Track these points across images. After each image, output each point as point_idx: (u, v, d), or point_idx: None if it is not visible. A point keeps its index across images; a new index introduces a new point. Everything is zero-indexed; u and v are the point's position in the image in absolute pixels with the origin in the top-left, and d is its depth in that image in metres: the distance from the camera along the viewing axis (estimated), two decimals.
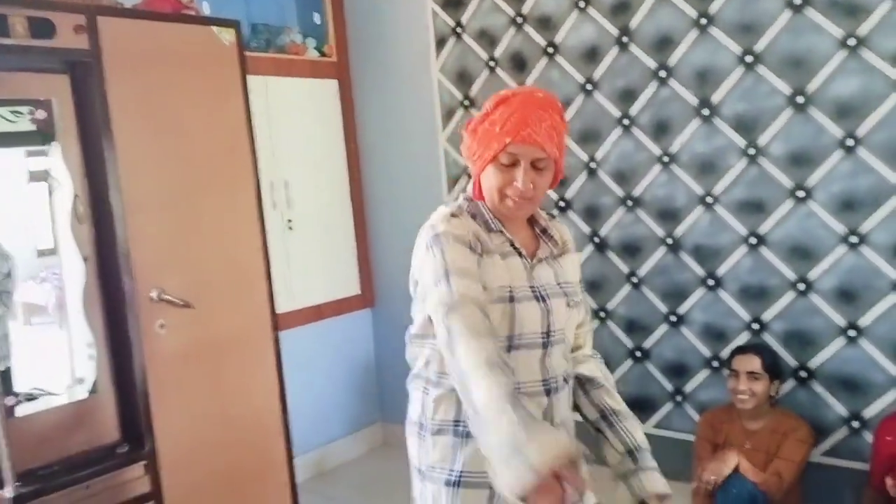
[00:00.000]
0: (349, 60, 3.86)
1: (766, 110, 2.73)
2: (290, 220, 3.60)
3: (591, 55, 3.10)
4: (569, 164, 3.21)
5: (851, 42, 2.53)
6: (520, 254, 1.47)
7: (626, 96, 3.03)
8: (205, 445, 2.60)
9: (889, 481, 2.38)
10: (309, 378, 3.59)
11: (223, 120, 2.70)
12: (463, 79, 3.50)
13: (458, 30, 3.46)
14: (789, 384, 2.82)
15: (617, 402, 1.56)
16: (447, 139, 3.60)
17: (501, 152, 1.39)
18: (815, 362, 2.76)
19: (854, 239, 2.62)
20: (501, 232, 1.45)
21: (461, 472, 1.43)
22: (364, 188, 3.96)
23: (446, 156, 3.62)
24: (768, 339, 2.84)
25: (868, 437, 2.66)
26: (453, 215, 1.44)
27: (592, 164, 3.18)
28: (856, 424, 2.70)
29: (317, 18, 3.74)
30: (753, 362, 2.65)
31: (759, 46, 2.71)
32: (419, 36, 3.61)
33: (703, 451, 2.77)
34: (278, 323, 2.88)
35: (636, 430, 1.53)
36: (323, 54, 3.77)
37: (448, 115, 3.58)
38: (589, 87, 3.13)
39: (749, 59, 2.74)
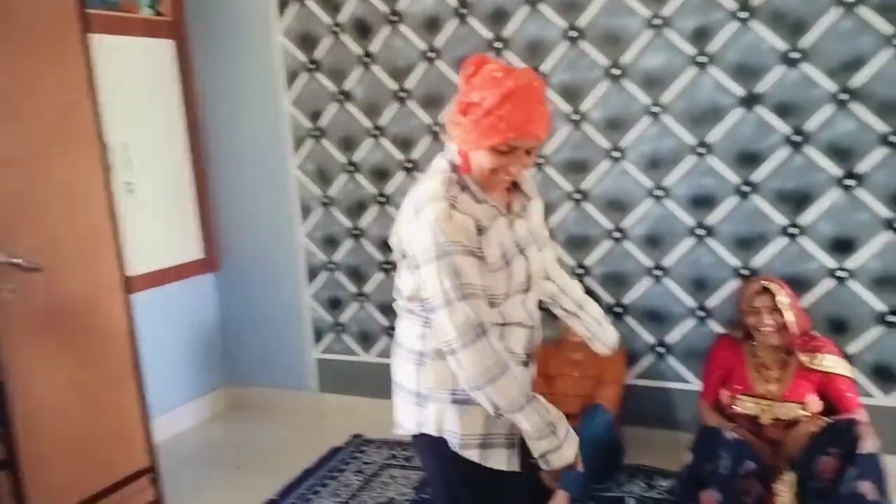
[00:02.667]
0: (185, 21, 3.79)
1: (588, 80, 3.09)
2: (129, 183, 3.51)
3: (433, 25, 3.31)
4: (421, 128, 3.43)
5: (657, 22, 2.94)
6: (501, 213, 1.63)
7: None
8: (62, 410, 2.56)
9: (724, 392, 2.76)
10: (152, 344, 3.54)
11: (64, 77, 2.62)
12: (307, 42, 3.58)
13: None
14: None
15: (566, 283, 1.96)
16: (292, 102, 3.67)
17: (502, 143, 1.52)
18: (627, 299, 3.21)
19: (659, 192, 3.06)
20: (486, 201, 1.60)
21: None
22: (206, 150, 3.93)
23: (292, 119, 3.69)
24: (590, 281, 3.25)
25: (671, 360, 3.16)
26: (452, 206, 1.52)
27: (436, 128, 3.41)
28: (661, 350, 3.18)
29: None
30: None
31: (581, 23, 3.06)
32: None
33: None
34: (130, 286, 2.87)
35: (578, 293, 1.97)
36: (158, 13, 3.67)
37: (292, 77, 3.64)
38: (431, 55, 3.34)
39: (573, 34, 3.08)
